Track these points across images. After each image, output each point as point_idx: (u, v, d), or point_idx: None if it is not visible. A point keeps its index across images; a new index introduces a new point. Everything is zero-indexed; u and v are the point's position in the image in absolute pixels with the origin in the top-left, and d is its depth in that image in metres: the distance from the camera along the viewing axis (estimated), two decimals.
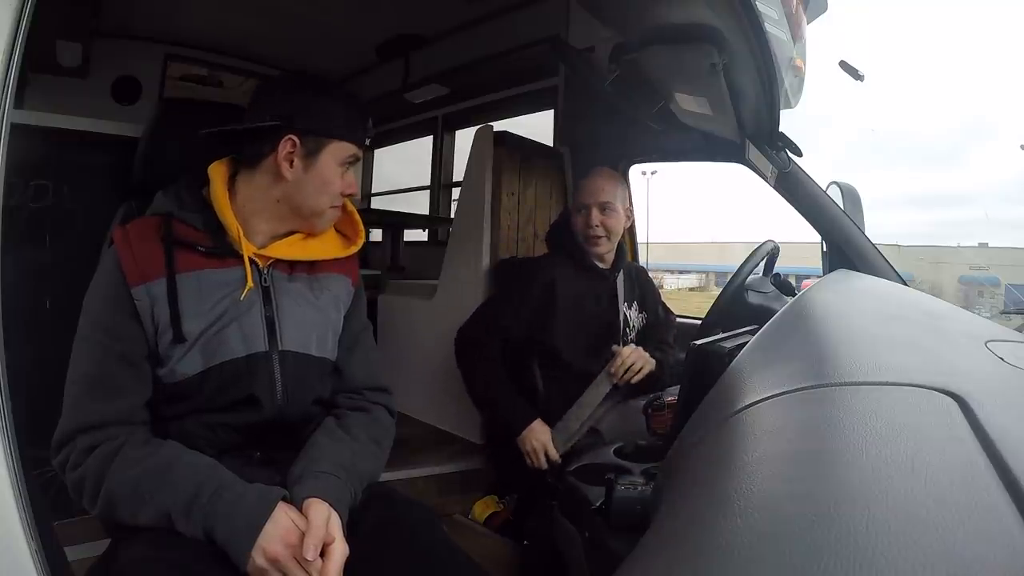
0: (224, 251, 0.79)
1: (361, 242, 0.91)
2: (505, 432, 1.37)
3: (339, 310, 0.89)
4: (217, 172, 0.82)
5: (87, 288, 0.83)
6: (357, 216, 0.92)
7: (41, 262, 1.24)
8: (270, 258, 0.82)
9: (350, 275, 0.92)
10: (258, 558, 0.66)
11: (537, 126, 2.30)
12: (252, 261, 0.80)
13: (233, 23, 2.33)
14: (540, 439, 1.32)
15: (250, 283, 0.79)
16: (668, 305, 1.72)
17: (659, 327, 1.61)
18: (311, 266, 0.87)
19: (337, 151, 0.81)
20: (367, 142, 0.84)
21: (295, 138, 0.79)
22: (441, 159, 3.05)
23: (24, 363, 0.63)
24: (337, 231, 0.91)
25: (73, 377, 0.75)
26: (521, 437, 1.33)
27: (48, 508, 0.64)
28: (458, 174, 3.04)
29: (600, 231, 1.43)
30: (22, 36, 0.55)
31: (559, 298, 1.41)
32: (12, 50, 0.55)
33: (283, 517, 0.68)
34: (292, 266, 0.85)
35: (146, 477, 0.69)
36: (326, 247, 0.88)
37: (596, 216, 1.43)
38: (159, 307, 0.75)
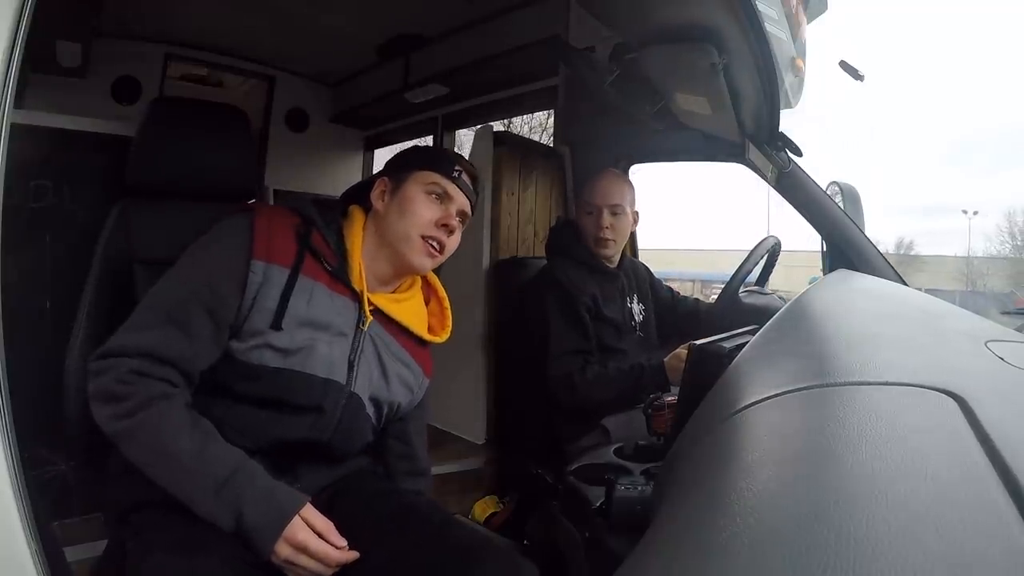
0: (341, 279, 0.84)
1: (446, 336, 0.97)
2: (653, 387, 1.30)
3: (406, 397, 0.94)
4: (357, 212, 0.92)
5: (87, 288, 0.83)
6: (449, 312, 0.98)
7: (41, 262, 1.24)
8: (372, 305, 0.86)
9: (427, 370, 0.96)
10: (283, 548, 0.68)
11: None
12: (358, 300, 0.85)
13: (233, 23, 2.33)
14: (680, 355, 1.28)
15: (368, 316, 0.85)
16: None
17: (671, 310, 1.66)
18: (401, 336, 0.91)
19: (418, 179, 0.89)
20: (455, 175, 0.89)
21: (387, 178, 0.91)
22: None
23: (24, 363, 0.63)
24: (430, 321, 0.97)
25: (151, 304, 0.77)
26: (669, 366, 1.30)
27: (48, 508, 0.64)
28: None
29: (610, 234, 1.44)
30: (22, 36, 0.55)
31: (586, 301, 1.42)
32: (12, 50, 0.55)
33: (310, 511, 0.72)
34: (387, 326, 0.89)
35: (187, 439, 0.70)
36: (416, 320, 0.93)
37: (607, 218, 1.43)
38: (267, 289, 0.78)
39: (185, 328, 0.74)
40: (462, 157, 0.95)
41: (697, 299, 1.76)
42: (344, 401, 0.83)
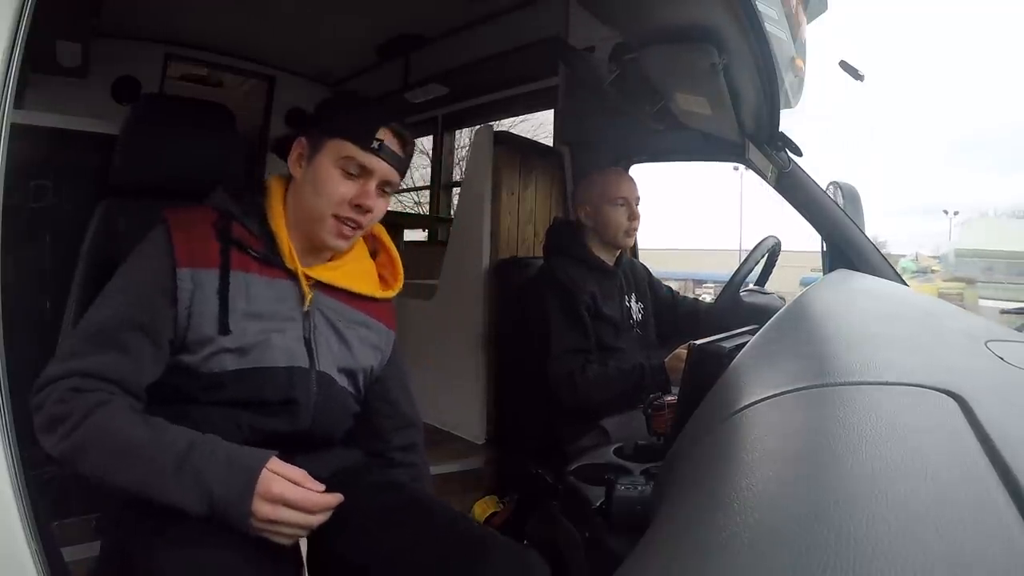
0: (273, 262, 0.81)
1: (399, 287, 0.93)
2: (658, 385, 1.31)
3: (375, 358, 0.91)
4: (276, 184, 0.85)
5: (74, 290, 0.82)
6: (399, 262, 0.94)
7: (41, 262, 1.24)
8: (312, 279, 0.83)
9: (389, 324, 0.93)
10: (261, 506, 0.65)
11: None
12: (296, 278, 0.82)
13: (233, 23, 2.33)
14: (681, 356, 1.29)
15: (308, 296, 0.82)
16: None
17: (671, 309, 1.66)
18: (351, 300, 0.88)
19: (332, 150, 0.80)
20: (374, 147, 0.79)
21: (304, 139, 0.82)
22: (441, 159, 3.05)
23: (24, 363, 0.63)
24: (379, 275, 0.93)
25: (84, 327, 0.74)
26: (670, 367, 1.31)
27: (48, 508, 0.64)
28: (458, 173, 3.04)
29: (638, 224, 1.49)
30: (22, 36, 0.55)
31: (586, 300, 1.43)
32: (12, 50, 0.55)
33: (279, 464, 0.68)
34: (333, 295, 0.86)
35: (137, 430, 0.67)
36: (366, 283, 0.89)
37: (636, 210, 1.48)
38: (200, 295, 0.75)
39: (118, 346, 0.72)
40: (389, 118, 0.82)
41: (697, 299, 1.77)
42: (315, 384, 0.81)
